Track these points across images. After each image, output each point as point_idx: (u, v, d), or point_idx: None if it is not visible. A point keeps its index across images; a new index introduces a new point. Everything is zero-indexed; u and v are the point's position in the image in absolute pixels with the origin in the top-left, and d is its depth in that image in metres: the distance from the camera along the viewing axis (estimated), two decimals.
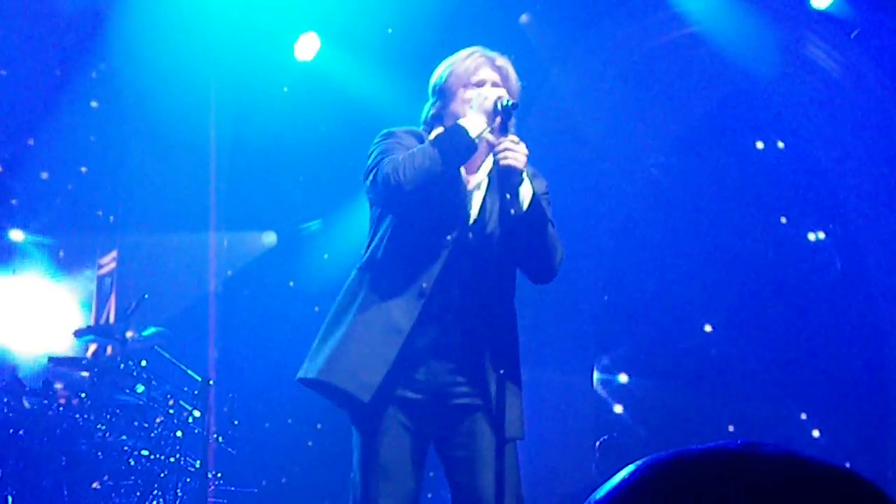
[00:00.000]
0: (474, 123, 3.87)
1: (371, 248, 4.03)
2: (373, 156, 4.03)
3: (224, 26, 8.50)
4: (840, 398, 8.87)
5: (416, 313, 3.84)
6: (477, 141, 3.85)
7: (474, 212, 3.99)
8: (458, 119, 3.99)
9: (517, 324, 4.07)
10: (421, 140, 4.05)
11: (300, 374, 4.00)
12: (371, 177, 3.94)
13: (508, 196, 3.84)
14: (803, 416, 9.08)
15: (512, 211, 3.88)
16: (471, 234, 3.95)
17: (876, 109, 8.59)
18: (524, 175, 3.89)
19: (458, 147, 3.83)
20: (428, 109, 4.21)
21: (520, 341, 4.07)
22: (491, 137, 3.96)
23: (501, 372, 3.88)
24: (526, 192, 3.91)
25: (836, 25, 8.31)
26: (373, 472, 3.92)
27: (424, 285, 3.86)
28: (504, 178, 3.87)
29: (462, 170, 4.00)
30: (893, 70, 8.29)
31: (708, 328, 9.32)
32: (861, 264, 8.99)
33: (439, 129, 4.07)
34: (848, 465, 8.35)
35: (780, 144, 9.13)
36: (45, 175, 8.70)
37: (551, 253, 4.00)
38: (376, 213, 4.09)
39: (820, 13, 8.20)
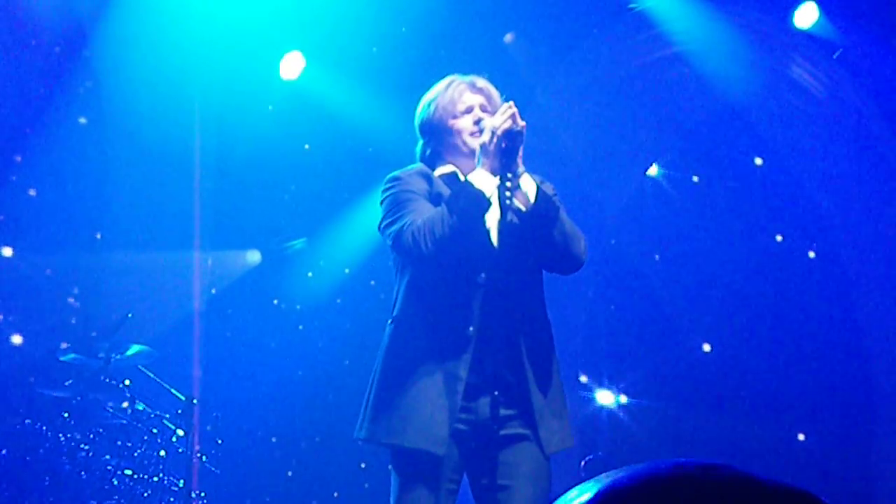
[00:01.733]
0: (487, 182, 3.85)
1: (403, 299, 4.04)
2: (385, 205, 4.07)
3: (209, 45, 8.50)
4: (831, 412, 8.88)
5: (470, 358, 3.86)
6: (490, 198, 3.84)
7: (494, 238, 3.97)
8: (457, 150, 4.03)
9: (551, 331, 4.09)
10: (428, 179, 4.07)
11: (364, 435, 4.01)
12: (391, 240, 3.95)
13: (509, 185, 3.83)
14: (801, 438, 9.09)
15: (518, 205, 3.89)
16: (499, 259, 3.93)
17: (858, 128, 8.63)
18: (522, 168, 3.92)
19: (477, 210, 3.82)
20: (423, 149, 4.23)
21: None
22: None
23: (546, 391, 3.94)
24: (528, 185, 3.91)
25: (819, 45, 8.36)
26: (412, 497, 3.93)
27: (471, 329, 3.88)
28: (506, 155, 3.86)
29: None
30: (876, 90, 8.34)
31: (707, 347, 9.32)
32: (846, 279, 9.02)
33: (446, 168, 4.10)
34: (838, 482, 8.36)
35: (759, 161, 9.15)
36: (32, 192, 8.67)
37: (571, 239, 3.98)
38: (399, 262, 4.10)
39: (803, 33, 8.25)
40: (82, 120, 8.82)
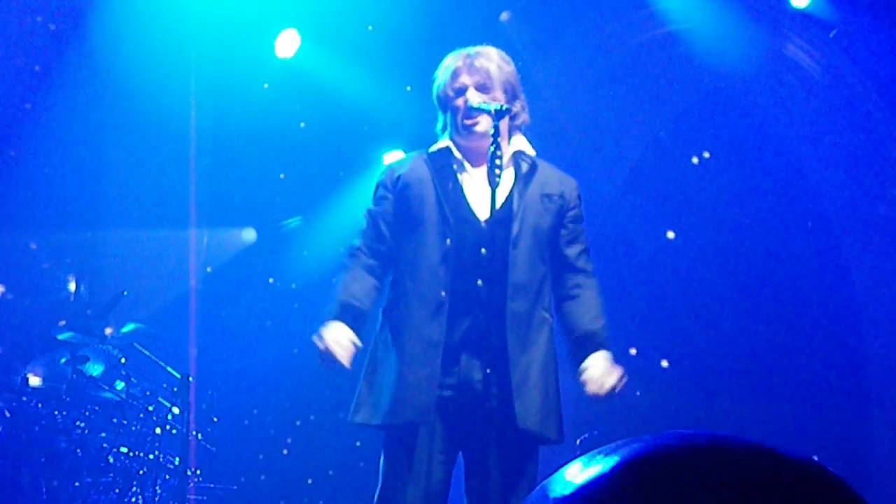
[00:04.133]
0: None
1: (391, 284, 4.22)
2: (372, 198, 4.31)
3: (204, 23, 8.48)
4: (830, 404, 8.90)
5: (444, 322, 3.93)
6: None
7: (485, 205, 4.01)
8: (455, 128, 4.19)
9: (545, 303, 4.13)
10: (419, 163, 4.21)
11: (359, 419, 4.09)
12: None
13: (498, 161, 3.92)
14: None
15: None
16: (480, 230, 4.02)
17: (855, 108, 8.62)
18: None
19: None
20: (438, 123, 4.34)
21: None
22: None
23: (532, 366, 3.98)
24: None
25: (816, 25, 8.35)
26: (400, 469, 3.99)
27: (443, 294, 3.94)
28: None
29: (463, 173, 4.08)
30: (872, 69, 8.33)
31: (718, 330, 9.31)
32: (842, 264, 9.02)
33: (442, 141, 4.19)
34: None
35: (754, 141, 9.14)
36: (25, 171, 8.66)
37: None
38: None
39: (799, 12, 8.24)
40: (74, 100, 8.80)
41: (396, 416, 3.93)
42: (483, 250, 3.97)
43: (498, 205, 3.97)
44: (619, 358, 4.11)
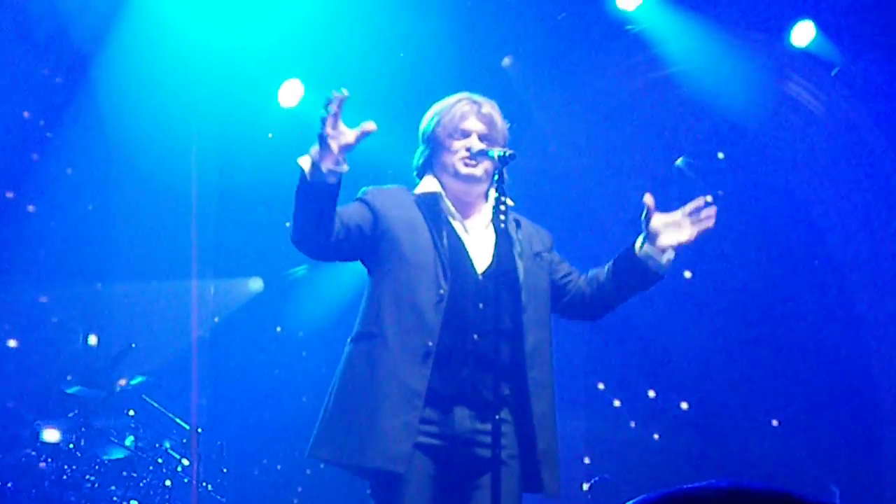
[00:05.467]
0: (305, 161, 3.90)
1: (364, 317, 4.04)
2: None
3: (208, 72, 8.52)
4: (835, 416, 8.87)
5: (428, 372, 3.84)
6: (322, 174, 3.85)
7: (482, 257, 4.01)
8: (446, 169, 4.06)
9: (552, 366, 4.08)
10: (401, 198, 4.12)
11: (324, 455, 3.99)
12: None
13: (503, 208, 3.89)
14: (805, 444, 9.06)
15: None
16: (478, 283, 3.98)
17: (858, 146, 8.64)
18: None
19: (305, 190, 3.90)
20: (418, 157, 4.26)
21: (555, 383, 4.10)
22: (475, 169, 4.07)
23: (527, 418, 3.93)
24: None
25: (817, 64, 8.37)
26: None
27: (430, 343, 3.86)
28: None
29: (455, 220, 4.05)
30: (875, 107, 8.35)
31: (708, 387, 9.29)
32: (847, 297, 9.01)
33: (428, 182, 4.13)
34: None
35: (757, 179, 9.14)
36: (31, 209, 8.69)
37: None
38: (368, 285, 4.10)
39: (800, 51, 8.26)
40: (77, 152, 8.84)
41: (365, 457, 3.83)
42: (481, 305, 3.94)
43: (492, 258, 3.96)
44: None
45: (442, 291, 3.90)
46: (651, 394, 8.92)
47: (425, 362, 3.84)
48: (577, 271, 4.32)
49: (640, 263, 4.11)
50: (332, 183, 3.82)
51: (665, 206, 4.23)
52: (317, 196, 3.85)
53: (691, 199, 4.21)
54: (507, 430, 3.87)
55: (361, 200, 4.11)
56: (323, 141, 3.81)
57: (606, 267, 4.23)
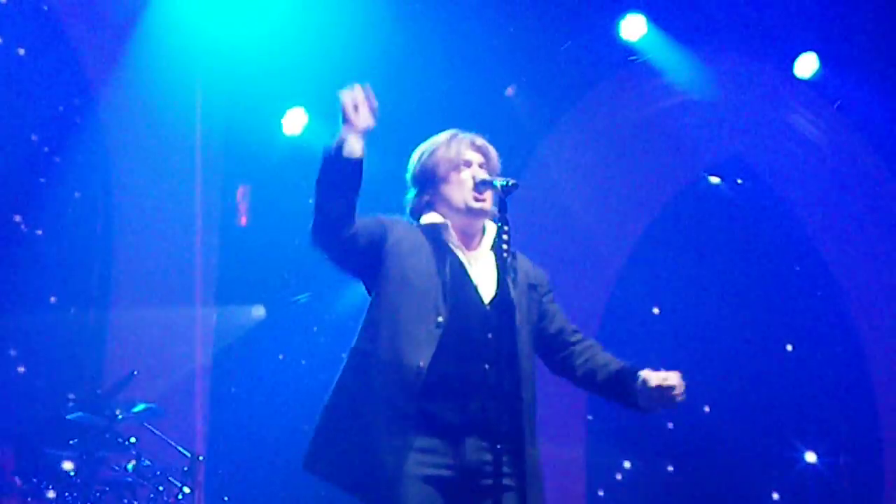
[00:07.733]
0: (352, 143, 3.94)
1: (361, 334, 3.99)
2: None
3: (213, 102, 8.55)
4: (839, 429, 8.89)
5: (415, 393, 3.82)
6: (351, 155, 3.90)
7: (487, 287, 3.99)
8: (452, 204, 4.07)
9: (535, 398, 4.05)
10: (409, 229, 4.08)
11: (317, 470, 3.99)
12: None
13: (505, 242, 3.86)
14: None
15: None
16: (486, 313, 3.95)
17: (860, 176, 8.66)
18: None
19: (330, 170, 3.91)
20: (415, 198, 4.22)
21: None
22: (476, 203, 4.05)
23: (537, 458, 3.92)
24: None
25: (821, 95, 8.40)
26: None
27: (421, 364, 3.85)
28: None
29: (458, 249, 4.05)
30: (877, 138, 8.38)
31: (707, 409, 9.28)
32: (850, 323, 9.02)
33: (432, 216, 4.13)
34: None
35: (761, 209, 9.17)
36: (37, 231, 8.71)
37: None
38: (368, 303, 4.08)
39: (804, 82, 8.30)
40: (80, 176, 8.85)
41: (355, 480, 3.87)
42: (489, 335, 3.93)
43: (496, 288, 3.96)
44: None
45: (440, 319, 3.89)
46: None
47: (415, 385, 3.82)
48: (572, 329, 4.23)
49: (633, 395, 4.09)
50: (356, 159, 3.90)
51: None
52: (341, 174, 3.90)
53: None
54: (508, 458, 3.86)
55: (375, 216, 4.10)
56: (346, 119, 4.00)
57: (605, 366, 4.14)
